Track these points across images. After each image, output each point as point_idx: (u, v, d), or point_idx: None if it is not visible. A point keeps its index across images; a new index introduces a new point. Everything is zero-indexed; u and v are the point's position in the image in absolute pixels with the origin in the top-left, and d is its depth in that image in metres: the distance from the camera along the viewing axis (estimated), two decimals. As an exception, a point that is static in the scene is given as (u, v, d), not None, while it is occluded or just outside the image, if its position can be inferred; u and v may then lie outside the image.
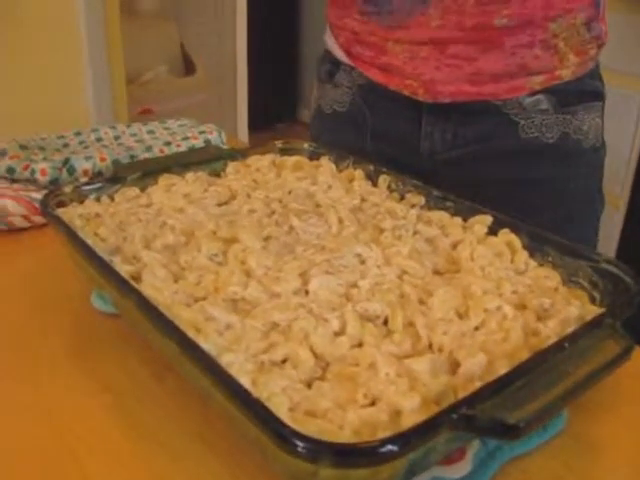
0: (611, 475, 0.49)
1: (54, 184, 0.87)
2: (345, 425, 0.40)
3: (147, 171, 0.76)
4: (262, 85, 3.94)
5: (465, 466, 0.48)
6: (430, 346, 0.49)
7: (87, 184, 0.73)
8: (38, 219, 0.83)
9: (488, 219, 0.65)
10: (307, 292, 0.55)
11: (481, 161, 0.86)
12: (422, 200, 0.71)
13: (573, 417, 0.53)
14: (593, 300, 0.56)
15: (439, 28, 0.79)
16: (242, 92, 3.51)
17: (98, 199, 0.71)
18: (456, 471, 0.47)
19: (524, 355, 0.46)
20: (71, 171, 0.89)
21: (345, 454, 0.37)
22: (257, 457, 0.48)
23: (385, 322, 0.52)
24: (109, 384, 0.57)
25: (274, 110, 4.38)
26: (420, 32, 0.80)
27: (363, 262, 0.59)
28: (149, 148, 0.96)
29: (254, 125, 3.62)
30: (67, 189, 0.71)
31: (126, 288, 0.53)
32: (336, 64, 0.95)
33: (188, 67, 3.25)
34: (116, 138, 1.02)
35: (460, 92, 0.83)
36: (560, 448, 0.51)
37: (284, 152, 0.85)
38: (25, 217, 0.82)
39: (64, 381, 0.58)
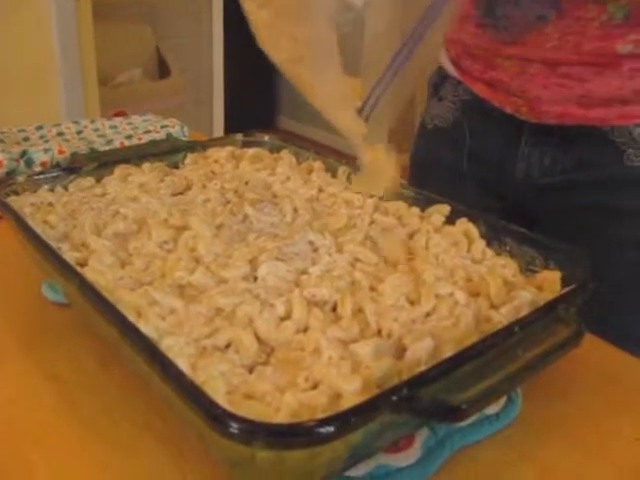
0: (563, 462, 0.48)
1: (11, 175, 0.85)
2: (282, 407, 0.39)
3: (105, 162, 0.75)
4: (240, 91, 3.91)
5: (413, 454, 0.46)
6: (379, 332, 0.48)
7: (41, 173, 0.72)
8: (-8, 211, 0.81)
9: (446, 208, 0.64)
10: (256, 278, 0.53)
11: (578, 189, 0.80)
12: (380, 191, 0.70)
13: (526, 405, 0.52)
14: (549, 289, 0.55)
15: (554, 49, 0.73)
16: (218, 97, 3.50)
17: (52, 189, 0.70)
18: (403, 459, 0.46)
19: (474, 340, 0.45)
20: (29, 163, 0.87)
21: (279, 434, 0.36)
22: (201, 446, 0.47)
23: (334, 308, 0.51)
24: (57, 373, 0.56)
25: (252, 117, 4.35)
26: (533, 50, 0.75)
27: (315, 250, 0.58)
28: (110, 142, 0.95)
29: (231, 132, 3.59)
30: (20, 178, 0.69)
31: (69, 272, 0.51)
32: (443, 77, 0.91)
33: (163, 70, 3.23)
34: (78, 133, 1.00)
35: (566, 114, 0.76)
36: (512, 436, 0.50)
37: (245, 145, 0.84)
38: (-21, 209, 0.81)
39: (12, 370, 0.57)
